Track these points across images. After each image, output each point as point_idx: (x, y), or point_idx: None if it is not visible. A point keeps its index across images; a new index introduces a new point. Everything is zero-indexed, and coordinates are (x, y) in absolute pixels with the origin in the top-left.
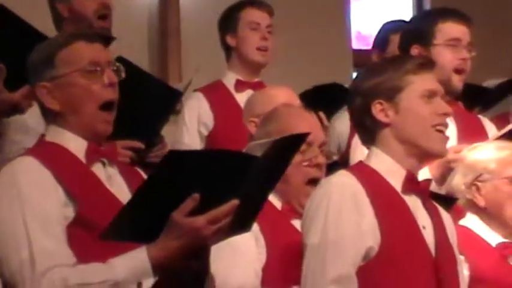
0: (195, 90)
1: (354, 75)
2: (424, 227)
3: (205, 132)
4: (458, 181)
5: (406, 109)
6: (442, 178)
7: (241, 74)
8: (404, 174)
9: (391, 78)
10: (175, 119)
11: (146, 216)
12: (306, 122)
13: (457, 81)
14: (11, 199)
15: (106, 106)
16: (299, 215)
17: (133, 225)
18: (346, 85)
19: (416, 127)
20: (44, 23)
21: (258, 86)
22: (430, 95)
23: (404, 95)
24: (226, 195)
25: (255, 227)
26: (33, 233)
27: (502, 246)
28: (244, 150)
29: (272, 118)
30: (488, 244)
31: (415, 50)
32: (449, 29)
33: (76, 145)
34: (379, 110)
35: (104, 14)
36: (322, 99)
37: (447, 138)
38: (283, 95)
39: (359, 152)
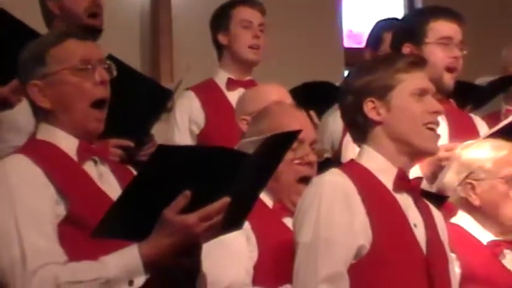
0: (186, 89)
1: (346, 73)
2: (415, 225)
3: (197, 131)
4: (451, 178)
5: (398, 107)
6: (433, 176)
7: (233, 72)
8: (396, 172)
9: (383, 76)
10: (166, 117)
11: (137, 213)
12: (297, 120)
13: (449, 80)
14: (2, 197)
15: (97, 104)
16: (290, 213)
17: (125, 222)
18: (337, 83)
19: (408, 125)
20: (34, 20)
21: (249, 85)
22: (421, 93)
23: (395, 93)
24: (217, 193)
25: (246, 225)
26: (25, 231)
27: (493, 244)
28: (236, 148)
29: (264, 116)
30: (480, 242)
31: (406, 49)
32: (441, 28)
33: (67, 143)
34: (370, 108)
35: (95, 12)
36: (311, 97)
37: (438, 136)
38: (275, 93)
39: (350, 150)
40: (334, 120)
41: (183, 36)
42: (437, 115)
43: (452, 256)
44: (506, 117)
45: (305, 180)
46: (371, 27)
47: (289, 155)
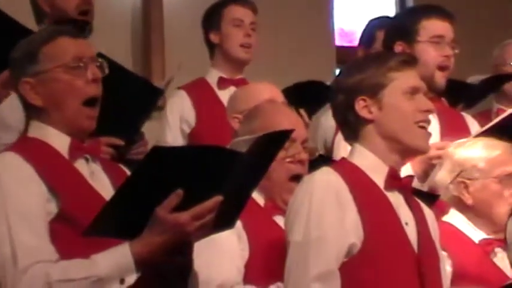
0: (178, 88)
1: (337, 71)
2: (406, 223)
3: (188, 130)
4: (444, 177)
5: (389, 105)
6: (425, 174)
7: (225, 71)
8: (387, 171)
9: (375, 74)
10: (158, 115)
11: (129, 212)
12: (289, 118)
13: (440, 78)
14: None
15: (89, 102)
16: (282, 211)
17: (117, 221)
18: (328, 82)
19: (399, 123)
20: (24, 18)
21: (240, 83)
22: (413, 91)
23: (387, 91)
24: (210, 191)
25: (238, 223)
26: (15, 229)
27: (484, 242)
28: (228, 147)
29: (255, 115)
30: (471, 240)
31: (399, 47)
32: (433, 26)
33: (59, 141)
34: (362, 107)
35: (86, 10)
36: (302, 96)
37: (430, 134)
38: (266, 91)
39: (342, 148)
40: (327, 119)
41: (174, 34)
42: (428, 113)
43: (443, 254)
44: (497, 116)
45: (296, 178)
46: (363, 26)
47: (280, 154)
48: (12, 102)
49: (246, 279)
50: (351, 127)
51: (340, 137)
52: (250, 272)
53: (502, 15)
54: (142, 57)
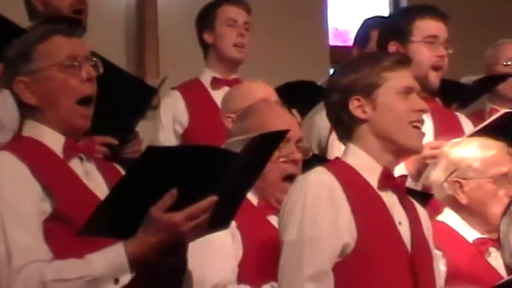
0: (172, 88)
1: (331, 71)
2: (400, 223)
3: (180, 130)
4: (438, 176)
5: (383, 105)
6: (418, 174)
7: (218, 71)
8: (381, 171)
9: (369, 74)
10: (152, 115)
11: (124, 211)
12: (283, 118)
13: (434, 78)
14: None
15: (84, 101)
16: (275, 211)
17: (111, 220)
18: (320, 82)
19: (393, 123)
20: (18, 16)
21: (234, 83)
22: (407, 91)
23: (381, 91)
24: (204, 192)
25: (232, 223)
26: (10, 228)
27: (479, 242)
28: (223, 147)
29: (249, 114)
30: (466, 240)
31: (392, 47)
32: (427, 26)
33: (53, 140)
34: (356, 106)
35: (80, 9)
36: (294, 96)
37: (423, 134)
38: (260, 91)
39: (336, 148)
40: (321, 119)
41: (169, 33)
42: (422, 113)
43: (437, 253)
44: (490, 116)
45: (290, 178)
46: (356, 26)
47: (274, 153)
48: (6, 100)
49: (240, 279)
50: (345, 127)
51: (334, 136)
52: (244, 272)
53: (496, 15)
54: (136, 57)
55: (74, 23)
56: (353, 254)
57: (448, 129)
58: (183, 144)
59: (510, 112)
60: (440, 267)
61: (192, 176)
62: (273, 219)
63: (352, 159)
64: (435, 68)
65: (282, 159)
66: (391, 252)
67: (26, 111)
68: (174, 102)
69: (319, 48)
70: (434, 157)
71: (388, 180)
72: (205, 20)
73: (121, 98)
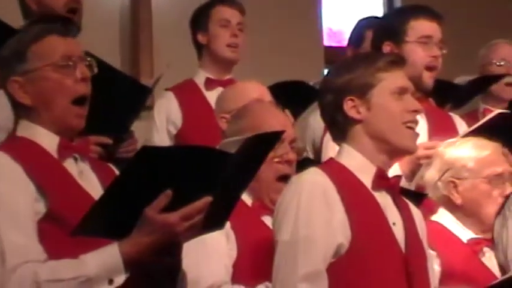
0: (166, 89)
1: (325, 71)
2: (394, 224)
3: (174, 131)
4: (432, 176)
5: (378, 106)
6: (412, 174)
7: (212, 72)
8: (375, 171)
9: (363, 75)
10: (146, 115)
11: (118, 212)
12: (277, 118)
13: (428, 78)
14: None
15: (79, 101)
16: (270, 211)
17: (106, 220)
18: (311, 82)
19: (387, 124)
20: (12, 16)
21: (228, 84)
22: (401, 92)
23: (376, 91)
24: (199, 192)
25: (226, 223)
26: (4, 228)
27: (473, 242)
28: (218, 147)
29: (243, 114)
30: (460, 240)
31: (387, 47)
32: (421, 27)
33: (48, 140)
34: (351, 107)
35: (74, 8)
36: (287, 96)
37: (417, 135)
38: (255, 91)
39: (330, 148)
40: (315, 119)
41: (163, 34)
42: (416, 114)
43: (432, 253)
44: (484, 116)
45: (284, 178)
46: (351, 26)
47: (269, 154)
48: (0, 100)
49: (234, 279)
50: (339, 127)
51: (328, 137)
52: (238, 272)
53: (489, 15)
54: (130, 57)
55: (67, 22)
56: (347, 254)
57: (442, 130)
58: (178, 145)
59: (504, 112)
60: (435, 267)
61: (187, 176)
62: (267, 220)
63: (346, 160)
64: (429, 68)
65: (276, 160)
66: (385, 253)
67: (20, 111)
68: (168, 103)
69: (314, 49)
70: (428, 157)
71: (382, 180)
72: (199, 21)
73: (115, 97)
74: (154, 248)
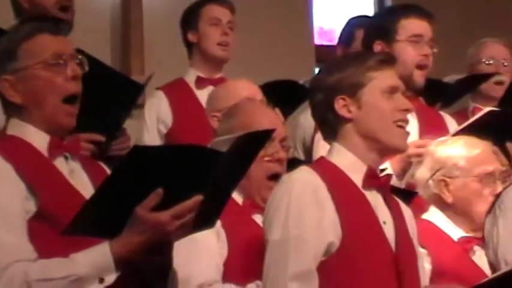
0: (157, 89)
1: (316, 70)
2: (384, 222)
3: (164, 130)
4: (423, 175)
5: (368, 105)
6: (403, 173)
7: (203, 70)
8: (365, 170)
9: (354, 74)
10: (137, 114)
11: (109, 211)
12: (268, 117)
13: (419, 77)
14: None
15: (69, 99)
16: (260, 210)
17: (96, 220)
18: (302, 81)
19: (378, 122)
20: (3, 15)
21: (219, 83)
22: (392, 91)
23: (366, 90)
24: (190, 191)
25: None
26: None
27: (464, 240)
28: (209, 146)
29: (234, 113)
30: (451, 238)
31: (378, 46)
32: (412, 26)
33: (38, 139)
34: (341, 106)
35: (65, 6)
36: (277, 95)
37: (408, 133)
38: (245, 89)
39: (321, 147)
40: (305, 118)
41: (154, 32)
42: (407, 113)
43: (422, 252)
44: (473, 114)
45: (275, 177)
46: (342, 25)
47: (259, 152)
48: None
49: (225, 278)
50: (330, 126)
51: (320, 136)
52: (229, 271)
53: (479, 15)
54: (121, 55)
55: (58, 21)
56: (337, 253)
57: (432, 128)
58: (169, 144)
59: (494, 110)
60: (425, 265)
61: (177, 175)
62: (258, 218)
63: (337, 159)
64: (420, 67)
65: (266, 158)
66: (375, 252)
67: (11, 109)
68: (158, 102)
69: (305, 47)
70: (419, 156)
71: (372, 179)
72: (189, 20)
73: (108, 95)
74: (145, 247)
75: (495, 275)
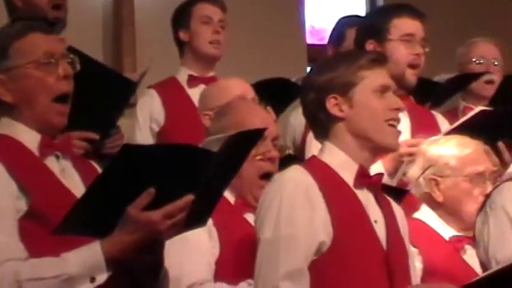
0: (149, 87)
1: (308, 69)
2: (375, 221)
3: (156, 129)
4: (415, 173)
5: (360, 104)
6: (395, 172)
7: (195, 69)
8: (357, 169)
9: (345, 73)
10: (130, 112)
11: (101, 210)
12: (260, 116)
13: (411, 76)
14: None
15: (60, 98)
16: (252, 209)
17: (88, 219)
18: (293, 79)
19: (370, 121)
20: None
21: (211, 81)
22: (383, 90)
23: (358, 89)
24: (182, 190)
25: (208, 220)
26: None
27: (455, 239)
28: (200, 145)
29: (226, 112)
30: (442, 237)
31: (370, 45)
32: (404, 25)
33: (29, 138)
34: (333, 105)
35: (58, 4)
36: (269, 93)
37: (399, 132)
38: (237, 87)
39: (314, 147)
40: (296, 117)
41: (146, 31)
42: (398, 112)
43: (413, 251)
44: (464, 114)
45: (267, 176)
46: (333, 24)
47: (251, 151)
48: None
49: (217, 277)
50: (322, 125)
51: (311, 135)
52: (220, 269)
53: (469, 14)
54: (113, 54)
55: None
56: (329, 252)
57: (424, 127)
58: (161, 143)
59: (485, 110)
60: (416, 264)
61: (169, 174)
62: (250, 217)
63: (328, 158)
64: (412, 66)
65: (258, 157)
66: (366, 251)
67: (2, 108)
68: (150, 100)
69: (296, 46)
70: (411, 155)
71: (364, 178)
72: (180, 19)
73: (101, 92)
74: (137, 246)
75: (486, 273)
